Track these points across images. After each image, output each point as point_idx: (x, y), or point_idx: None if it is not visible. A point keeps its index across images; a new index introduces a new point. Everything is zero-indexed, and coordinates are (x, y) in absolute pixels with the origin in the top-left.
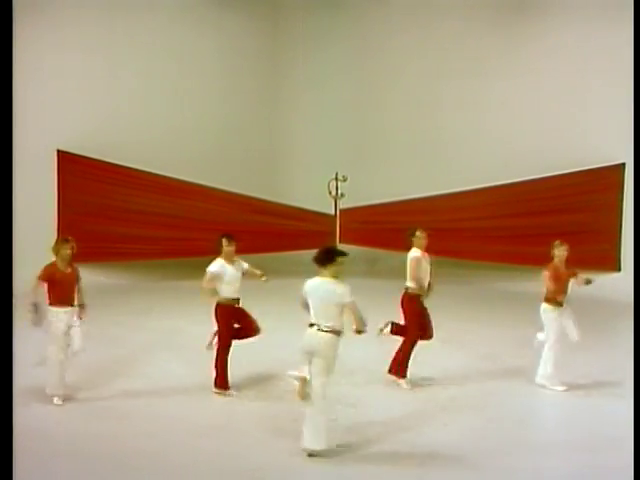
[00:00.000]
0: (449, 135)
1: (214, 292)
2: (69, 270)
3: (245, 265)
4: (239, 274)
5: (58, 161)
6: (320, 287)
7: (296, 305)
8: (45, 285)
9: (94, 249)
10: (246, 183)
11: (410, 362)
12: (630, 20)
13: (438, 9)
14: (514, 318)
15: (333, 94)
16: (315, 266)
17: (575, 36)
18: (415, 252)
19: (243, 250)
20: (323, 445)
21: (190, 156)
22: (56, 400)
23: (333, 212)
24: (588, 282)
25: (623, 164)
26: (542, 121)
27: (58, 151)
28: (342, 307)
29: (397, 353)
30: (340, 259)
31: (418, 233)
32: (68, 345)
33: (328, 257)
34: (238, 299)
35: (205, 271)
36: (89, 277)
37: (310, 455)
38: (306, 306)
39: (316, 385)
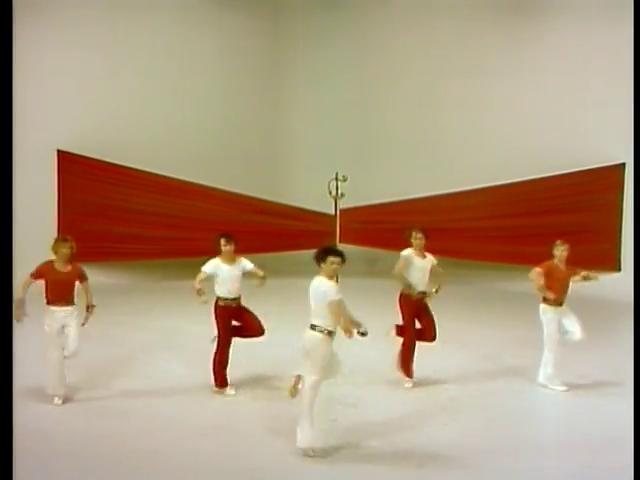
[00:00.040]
0: (449, 135)
1: (201, 292)
2: (68, 269)
3: (249, 266)
4: (237, 274)
5: (58, 161)
6: (313, 286)
7: (296, 305)
8: (42, 283)
9: (94, 249)
10: (246, 183)
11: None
12: (630, 20)
13: (439, 9)
14: (514, 318)
15: (333, 94)
16: (315, 266)
17: (575, 36)
18: (405, 251)
19: (243, 250)
20: (306, 444)
21: (190, 156)
22: (56, 400)
23: (333, 212)
24: (587, 278)
25: (623, 164)
26: (542, 121)
27: (58, 151)
28: None
29: (399, 353)
30: (332, 258)
31: (413, 234)
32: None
33: (320, 256)
34: (235, 299)
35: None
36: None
37: (305, 454)
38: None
39: (305, 384)
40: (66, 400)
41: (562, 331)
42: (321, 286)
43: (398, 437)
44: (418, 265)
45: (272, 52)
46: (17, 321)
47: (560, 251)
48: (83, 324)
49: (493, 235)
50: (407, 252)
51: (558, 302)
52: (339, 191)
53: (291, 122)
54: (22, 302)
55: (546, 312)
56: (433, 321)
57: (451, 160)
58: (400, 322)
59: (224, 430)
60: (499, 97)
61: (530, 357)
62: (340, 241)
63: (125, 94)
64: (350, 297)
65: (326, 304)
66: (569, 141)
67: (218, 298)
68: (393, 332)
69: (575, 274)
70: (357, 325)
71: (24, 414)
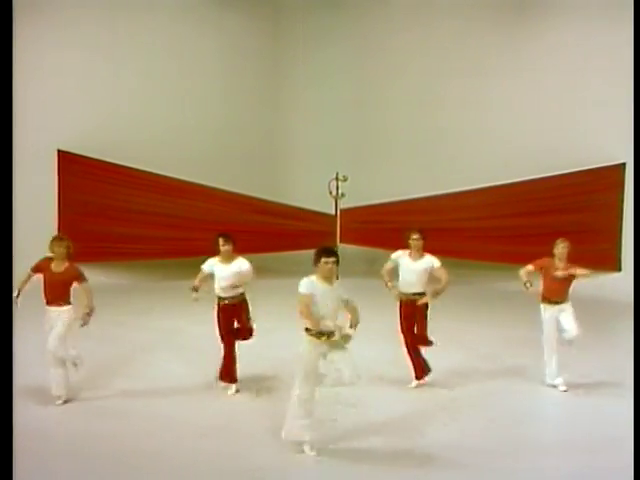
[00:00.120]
0: (449, 135)
1: (196, 288)
2: (62, 269)
3: (244, 266)
4: (231, 273)
5: (58, 161)
6: None
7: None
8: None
9: (94, 249)
10: (247, 183)
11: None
12: (630, 20)
13: (439, 8)
14: (514, 318)
15: (334, 94)
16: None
17: (575, 36)
18: (396, 253)
19: (244, 250)
20: (290, 437)
21: (191, 156)
22: (58, 400)
23: (333, 212)
24: (577, 275)
25: (623, 164)
26: (542, 121)
27: (58, 151)
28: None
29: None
30: (325, 259)
31: (411, 235)
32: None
33: (314, 258)
34: (232, 297)
35: None
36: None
37: (298, 451)
38: None
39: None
40: (66, 400)
41: (559, 329)
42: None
43: (398, 437)
44: (409, 267)
45: (272, 52)
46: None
47: (560, 249)
48: (82, 325)
49: (493, 235)
50: (397, 253)
51: (554, 300)
52: (339, 191)
53: (291, 122)
54: (19, 293)
55: (543, 310)
56: (422, 325)
57: (451, 160)
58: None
59: (224, 430)
60: (499, 97)
61: (530, 357)
62: (340, 241)
63: (125, 94)
64: (350, 297)
65: None
66: (569, 141)
67: (217, 297)
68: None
69: (569, 272)
70: (329, 327)
71: (24, 414)
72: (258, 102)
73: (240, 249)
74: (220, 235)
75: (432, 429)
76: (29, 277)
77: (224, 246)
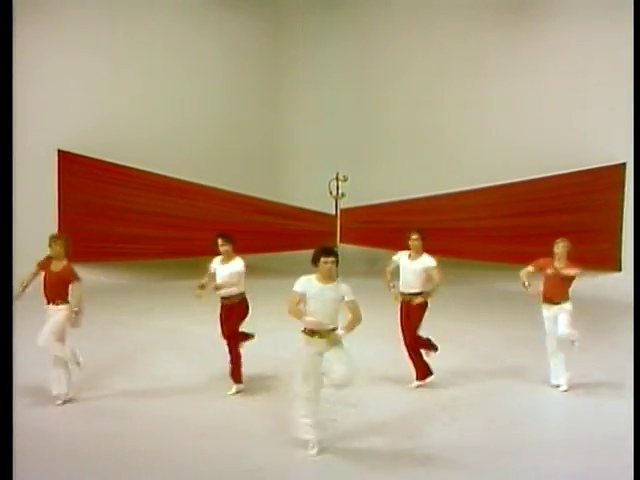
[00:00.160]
0: (450, 135)
1: (201, 286)
2: (59, 268)
3: (236, 267)
4: (227, 273)
5: (59, 161)
6: None
7: None
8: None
9: (95, 249)
10: (247, 183)
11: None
12: (630, 20)
13: (439, 9)
14: (514, 318)
15: (334, 94)
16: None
17: (575, 36)
18: (397, 254)
19: (244, 250)
20: (298, 434)
21: (191, 156)
22: (58, 400)
23: (334, 212)
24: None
25: (623, 164)
26: (542, 121)
27: (59, 151)
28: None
29: None
30: (323, 259)
31: (410, 235)
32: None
33: (313, 259)
34: (228, 297)
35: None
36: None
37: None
38: None
39: None
40: (66, 400)
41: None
42: None
43: (398, 437)
44: (408, 267)
45: (272, 52)
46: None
47: (559, 248)
48: (72, 326)
49: (493, 235)
50: (398, 255)
51: (554, 300)
52: (340, 191)
53: (291, 122)
54: (24, 287)
55: (544, 310)
56: (412, 326)
57: (451, 160)
58: None
59: (224, 430)
60: (499, 97)
61: (530, 357)
62: (341, 241)
63: (125, 94)
64: None
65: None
66: (569, 141)
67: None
68: None
69: (561, 272)
70: (310, 322)
71: (24, 414)
72: (258, 102)
73: (240, 249)
74: (219, 235)
75: (432, 429)
76: (36, 273)
77: (223, 246)
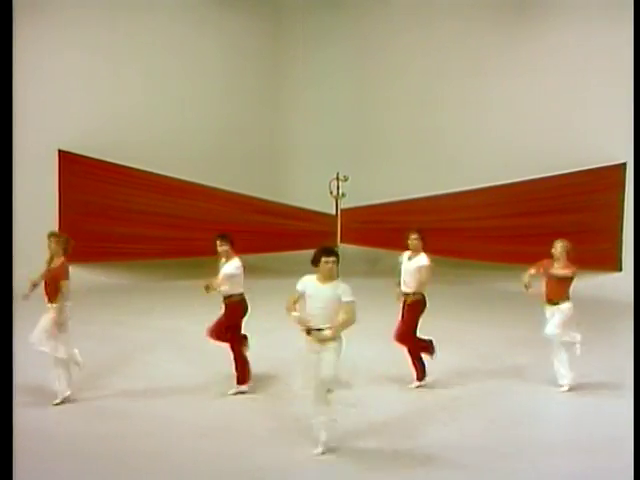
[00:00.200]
0: (450, 135)
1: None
2: (54, 266)
3: (227, 269)
4: (223, 273)
5: (59, 161)
6: None
7: None
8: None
9: (95, 249)
10: (247, 183)
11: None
12: (630, 20)
13: (439, 9)
14: (514, 318)
15: (334, 94)
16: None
17: (575, 36)
18: (403, 254)
19: (244, 250)
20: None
21: (191, 156)
22: (56, 400)
23: (334, 212)
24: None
25: (624, 164)
26: (542, 121)
27: (59, 151)
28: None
29: None
30: (324, 259)
31: (410, 235)
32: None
33: (314, 260)
34: (225, 297)
35: (207, 271)
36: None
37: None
38: None
39: None
40: (66, 400)
41: None
42: None
43: (398, 437)
44: (405, 267)
45: (272, 52)
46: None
47: (556, 249)
48: (55, 324)
49: (493, 235)
50: (402, 255)
51: (554, 301)
52: (340, 191)
53: (291, 122)
54: (34, 285)
55: (546, 311)
56: (402, 324)
57: (451, 160)
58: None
59: (224, 430)
60: (499, 97)
61: (530, 357)
62: (341, 241)
63: (126, 94)
64: None
65: None
66: (569, 141)
67: None
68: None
69: (552, 273)
70: (294, 318)
71: (24, 414)
72: (258, 102)
73: (241, 249)
74: (217, 236)
75: (432, 429)
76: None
77: (220, 247)
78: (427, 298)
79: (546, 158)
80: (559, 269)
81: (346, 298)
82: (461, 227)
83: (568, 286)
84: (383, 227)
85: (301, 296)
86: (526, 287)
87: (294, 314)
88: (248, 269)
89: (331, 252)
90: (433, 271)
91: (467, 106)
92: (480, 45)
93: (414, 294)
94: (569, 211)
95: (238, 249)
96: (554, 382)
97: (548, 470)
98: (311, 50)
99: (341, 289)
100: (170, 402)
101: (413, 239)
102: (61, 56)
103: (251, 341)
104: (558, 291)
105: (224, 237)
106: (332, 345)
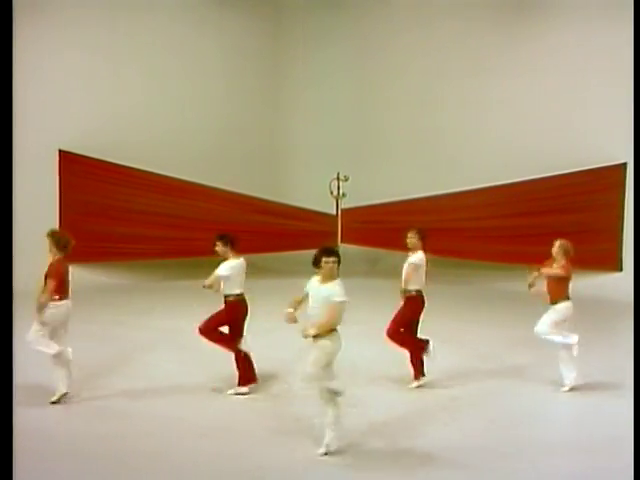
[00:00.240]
0: (450, 135)
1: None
2: (49, 264)
3: (218, 270)
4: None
5: (59, 161)
6: None
7: None
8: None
9: (95, 249)
10: (247, 183)
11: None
12: (630, 20)
13: (439, 9)
14: (514, 318)
15: (334, 94)
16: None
17: (575, 36)
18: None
19: (244, 250)
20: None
21: (191, 156)
22: (53, 398)
23: (335, 212)
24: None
25: (624, 164)
26: (542, 121)
27: (59, 151)
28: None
29: None
30: (325, 259)
31: (408, 233)
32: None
33: (315, 261)
34: (224, 297)
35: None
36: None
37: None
38: None
39: None
40: (66, 400)
41: None
42: None
43: (399, 437)
44: (404, 265)
45: (272, 52)
46: None
47: (555, 249)
48: (41, 323)
49: (493, 235)
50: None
51: (553, 301)
52: (340, 191)
53: (292, 122)
54: None
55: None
56: (394, 319)
57: (451, 160)
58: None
59: (224, 430)
60: (499, 97)
61: (530, 357)
62: (341, 241)
63: (126, 94)
64: (351, 297)
65: None
66: (569, 141)
67: None
68: None
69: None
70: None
71: (24, 414)
72: (258, 102)
73: (241, 249)
74: (216, 236)
75: (432, 429)
76: None
77: (218, 247)
78: (425, 297)
79: (546, 158)
80: (555, 269)
81: (335, 298)
82: (461, 227)
83: (565, 286)
84: (383, 227)
85: (305, 297)
86: (530, 286)
87: (287, 310)
88: (248, 269)
89: (332, 252)
90: (418, 269)
91: (467, 106)
92: (480, 45)
93: (405, 291)
94: (569, 211)
95: (238, 249)
96: (554, 382)
97: (548, 470)
98: (311, 50)
99: (335, 289)
100: (170, 402)
101: (410, 237)
102: (61, 56)
103: (251, 341)
104: (556, 291)
105: (221, 237)
106: (320, 343)
